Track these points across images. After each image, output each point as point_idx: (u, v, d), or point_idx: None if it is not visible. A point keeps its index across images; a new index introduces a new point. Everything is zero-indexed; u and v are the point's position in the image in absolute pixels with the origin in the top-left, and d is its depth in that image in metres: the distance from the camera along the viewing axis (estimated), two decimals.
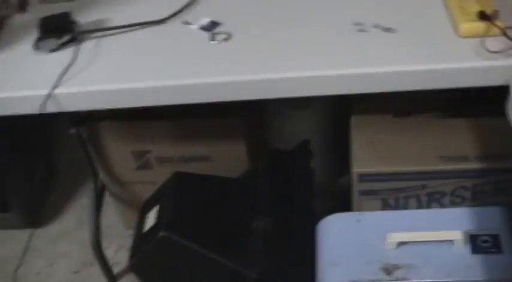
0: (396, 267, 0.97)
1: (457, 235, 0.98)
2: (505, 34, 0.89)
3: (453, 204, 1.09)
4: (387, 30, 0.94)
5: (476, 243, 0.99)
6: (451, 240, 0.98)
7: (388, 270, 0.97)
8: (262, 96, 0.94)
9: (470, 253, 0.98)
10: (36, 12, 1.06)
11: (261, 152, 1.26)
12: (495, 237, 1.00)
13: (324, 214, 1.07)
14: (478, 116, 1.11)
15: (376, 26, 0.94)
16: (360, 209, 1.10)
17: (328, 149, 1.36)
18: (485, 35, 0.88)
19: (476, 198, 1.08)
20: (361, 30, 0.94)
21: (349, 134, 1.13)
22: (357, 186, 1.07)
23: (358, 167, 1.06)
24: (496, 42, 0.88)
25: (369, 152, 1.07)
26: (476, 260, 0.98)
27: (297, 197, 1.15)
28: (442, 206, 1.09)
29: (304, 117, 1.33)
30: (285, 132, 1.34)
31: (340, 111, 1.18)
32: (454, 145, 1.07)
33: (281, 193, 1.15)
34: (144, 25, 1.00)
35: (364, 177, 1.06)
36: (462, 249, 0.98)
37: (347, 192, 1.19)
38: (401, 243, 0.99)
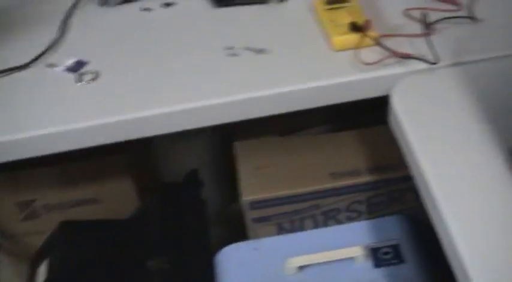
0: None
1: (357, 251, 0.97)
2: (378, 43, 0.88)
3: (349, 219, 1.07)
4: (260, 51, 0.90)
5: (378, 256, 0.97)
6: (353, 258, 0.98)
7: None
8: (139, 135, 0.88)
9: (373, 267, 0.96)
10: None
11: (149, 188, 1.21)
12: (395, 248, 0.98)
13: (222, 244, 1.03)
14: (364, 126, 1.09)
15: (247, 49, 0.91)
16: (255, 237, 1.06)
17: (219, 177, 1.32)
18: (359, 46, 0.87)
19: (372, 211, 1.07)
20: (232, 55, 0.90)
21: (235, 161, 1.09)
22: (249, 215, 1.04)
23: (247, 195, 1.02)
24: (371, 53, 0.87)
25: (257, 178, 1.04)
26: (379, 273, 0.96)
27: (191, 230, 1.10)
28: (339, 222, 1.06)
29: (192, 147, 1.28)
30: (174, 164, 1.29)
31: (227, 137, 1.14)
32: (344, 160, 1.05)
33: (174, 228, 1.10)
34: (7, 72, 0.93)
35: (255, 205, 1.02)
36: (364, 264, 0.96)
37: (241, 219, 1.17)
38: (302, 267, 0.96)
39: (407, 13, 0.93)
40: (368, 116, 1.06)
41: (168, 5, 1.02)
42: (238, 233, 1.12)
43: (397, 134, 0.83)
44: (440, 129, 0.79)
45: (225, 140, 1.17)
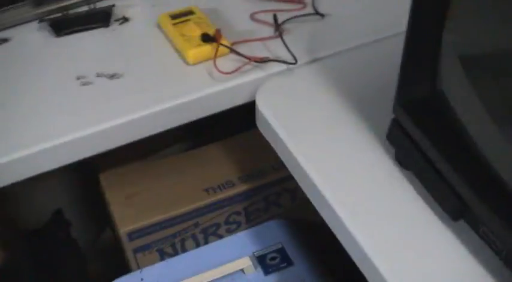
0: None
1: (245, 262, 0.95)
2: (233, 51, 0.87)
3: (229, 232, 1.05)
4: (113, 76, 0.87)
5: (266, 263, 0.96)
6: (242, 269, 0.96)
7: None
8: None
9: (264, 275, 0.95)
10: None
11: (12, 239, 1.13)
12: (281, 251, 0.97)
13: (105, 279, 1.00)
14: (229, 135, 1.08)
15: (100, 75, 0.87)
16: (138, 267, 1.01)
17: (88, 212, 1.27)
18: (215, 56, 0.85)
19: (250, 219, 1.06)
20: (85, 83, 0.86)
21: (103, 194, 1.04)
22: (128, 246, 0.99)
23: (123, 227, 0.97)
24: (229, 62, 0.86)
25: (130, 207, 0.99)
26: (271, 279, 0.94)
27: (66, 274, 1.05)
28: (220, 237, 1.04)
29: (52, 187, 1.22)
30: (35, 207, 1.22)
31: (89, 170, 1.09)
32: (215, 174, 1.03)
33: (48, 276, 1.04)
34: None
35: (133, 235, 0.98)
36: (254, 274, 0.94)
37: (117, 249, 1.13)
38: None
39: (254, 18, 0.93)
40: (230, 126, 1.06)
41: (2, 41, 0.96)
42: (119, 265, 1.07)
43: (268, 136, 0.83)
44: (311, 125, 0.80)
45: (85, 172, 1.12)
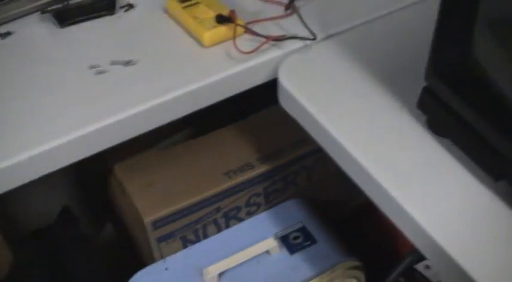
0: None
1: (270, 243, 0.95)
2: (249, 31, 0.86)
3: (249, 214, 1.04)
4: (128, 63, 0.85)
5: (290, 242, 0.97)
6: (267, 251, 0.96)
7: None
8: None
9: (290, 255, 0.96)
10: None
11: (21, 238, 1.10)
12: (303, 230, 0.99)
13: (125, 274, 0.97)
14: (242, 117, 1.08)
15: (114, 63, 0.85)
16: (162, 256, 1.00)
17: (87, 208, 1.25)
18: (232, 37, 0.85)
19: (270, 200, 1.05)
20: (100, 72, 0.84)
21: (119, 186, 1.02)
22: (153, 235, 0.97)
23: (147, 216, 0.95)
24: (246, 41, 0.85)
25: (151, 196, 0.97)
26: (297, 259, 0.96)
27: (82, 271, 1.03)
28: (240, 220, 1.04)
29: (57, 187, 1.20)
30: (35, 206, 1.19)
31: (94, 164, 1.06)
32: (233, 157, 1.02)
33: (62, 274, 1.02)
34: None
35: (157, 224, 0.96)
36: (281, 254, 0.95)
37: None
38: (222, 274, 0.93)
39: None
40: (233, 109, 1.06)
41: (5, 35, 0.93)
42: (136, 257, 1.07)
43: (294, 113, 0.82)
44: (338, 98, 0.79)
45: (91, 169, 1.10)
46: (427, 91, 0.75)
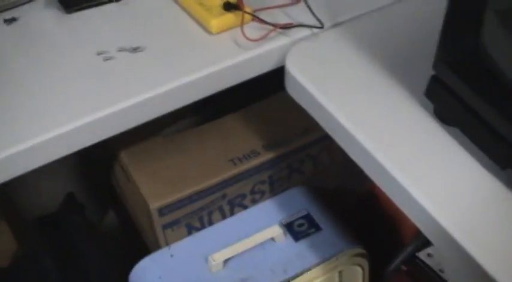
0: None
1: (275, 230, 0.95)
2: (256, 18, 0.86)
3: (254, 202, 1.05)
4: (135, 50, 0.85)
5: (294, 229, 0.97)
6: (272, 238, 0.96)
7: None
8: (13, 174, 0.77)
9: (294, 242, 0.96)
10: None
11: (25, 226, 1.10)
12: (308, 217, 0.99)
13: (130, 260, 0.97)
14: (248, 104, 1.08)
15: (121, 49, 0.85)
16: (167, 243, 1.00)
17: (94, 194, 1.25)
18: (239, 25, 0.85)
19: (274, 188, 1.06)
20: (108, 59, 0.84)
21: (125, 173, 1.02)
22: (158, 222, 0.98)
23: (154, 203, 0.95)
24: (253, 29, 0.85)
25: (157, 183, 0.98)
26: (302, 246, 0.95)
27: (88, 258, 1.02)
28: (245, 207, 1.04)
29: (60, 173, 1.20)
30: (45, 193, 1.19)
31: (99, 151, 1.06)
32: (239, 144, 1.02)
33: (69, 262, 1.02)
34: None
35: (163, 211, 0.96)
36: (285, 241, 0.95)
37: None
38: (227, 261, 0.93)
39: None
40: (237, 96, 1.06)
41: (10, 21, 0.93)
42: (140, 244, 1.07)
43: (302, 100, 0.82)
44: (345, 85, 0.80)
45: (96, 156, 1.10)
46: (435, 79, 0.75)
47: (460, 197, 0.69)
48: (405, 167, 0.71)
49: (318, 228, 0.98)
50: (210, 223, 1.03)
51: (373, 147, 0.73)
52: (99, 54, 0.85)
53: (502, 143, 0.69)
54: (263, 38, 0.84)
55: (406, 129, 0.75)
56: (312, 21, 0.87)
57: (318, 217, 0.99)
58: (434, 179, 0.70)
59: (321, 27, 0.85)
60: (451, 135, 0.74)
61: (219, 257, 0.93)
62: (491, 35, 0.69)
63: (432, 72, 0.75)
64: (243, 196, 1.04)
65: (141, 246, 1.13)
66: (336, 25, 0.88)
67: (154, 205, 0.96)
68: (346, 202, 1.15)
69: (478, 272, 0.64)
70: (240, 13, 0.85)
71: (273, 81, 0.89)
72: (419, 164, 0.72)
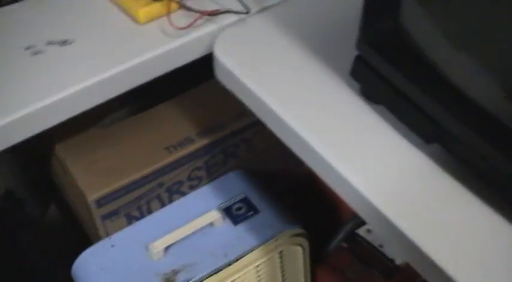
0: (175, 272, 0.92)
1: (213, 215, 0.97)
2: (183, 6, 0.86)
3: (192, 188, 1.06)
4: (64, 43, 0.85)
5: (233, 213, 0.98)
6: (211, 223, 0.97)
7: (169, 279, 0.92)
8: None
9: (234, 225, 0.97)
10: None
11: None
12: (246, 201, 1.00)
13: (72, 254, 0.98)
14: (178, 93, 1.08)
15: (49, 43, 0.85)
16: (107, 234, 1.00)
17: (35, 188, 1.24)
18: (169, 12, 0.85)
19: (211, 173, 1.07)
20: (36, 53, 0.83)
21: (61, 165, 1.02)
22: (97, 213, 0.98)
23: (91, 194, 0.96)
24: (181, 17, 0.85)
25: (94, 175, 0.98)
26: (241, 229, 0.97)
27: (30, 256, 1.03)
28: (183, 194, 1.05)
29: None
30: None
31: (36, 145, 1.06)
32: (173, 131, 1.03)
33: (11, 256, 1.01)
34: None
35: (101, 202, 0.97)
36: (224, 226, 0.97)
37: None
38: (167, 248, 0.94)
39: None
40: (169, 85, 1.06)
41: None
42: (82, 237, 1.07)
43: (231, 86, 0.83)
44: (273, 69, 0.81)
45: (34, 150, 1.09)
46: (359, 59, 0.77)
47: (389, 173, 0.71)
48: (334, 147, 0.73)
49: (256, 210, 0.99)
50: (149, 212, 1.04)
51: (302, 128, 0.74)
52: (27, 48, 0.85)
53: (425, 118, 0.71)
54: (190, 26, 0.84)
55: (333, 109, 0.77)
56: (239, 7, 0.87)
57: (256, 200, 1.01)
58: (363, 157, 0.72)
59: (247, 13, 0.86)
60: (378, 113, 0.76)
61: (159, 244, 0.94)
62: (409, 14, 0.71)
63: (356, 53, 0.77)
64: (181, 183, 1.04)
65: (84, 239, 1.13)
66: (263, 9, 0.88)
67: (91, 197, 0.96)
68: (285, 183, 1.17)
69: (410, 246, 0.67)
70: (166, 1, 0.86)
71: (207, 68, 0.91)
72: (347, 143, 0.73)
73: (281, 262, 1.01)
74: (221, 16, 0.86)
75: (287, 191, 1.12)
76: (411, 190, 0.69)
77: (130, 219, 1.03)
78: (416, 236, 0.65)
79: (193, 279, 0.92)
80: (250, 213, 0.99)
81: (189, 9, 0.86)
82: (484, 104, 0.66)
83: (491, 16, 0.63)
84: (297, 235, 0.99)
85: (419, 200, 0.69)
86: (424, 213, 0.67)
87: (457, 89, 0.68)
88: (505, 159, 0.65)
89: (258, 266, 0.97)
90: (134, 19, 0.87)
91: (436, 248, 0.65)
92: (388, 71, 0.74)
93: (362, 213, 0.72)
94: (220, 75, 0.85)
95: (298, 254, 1.02)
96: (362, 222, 1.14)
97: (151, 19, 0.86)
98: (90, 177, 0.98)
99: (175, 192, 1.05)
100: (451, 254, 0.64)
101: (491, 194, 0.68)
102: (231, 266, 0.94)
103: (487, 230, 0.65)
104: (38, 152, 1.09)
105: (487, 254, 0.64)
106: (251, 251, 0.96)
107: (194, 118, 1.06)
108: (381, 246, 1.15)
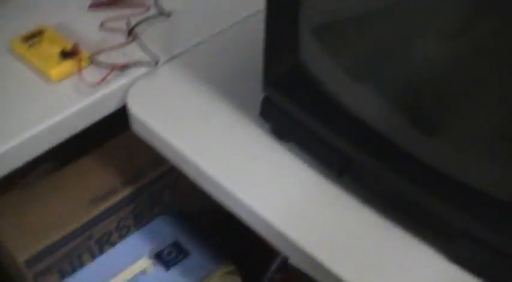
0: None
1: (144, 262, 0.98)
2: (95, 62, 0.88)
3: (121, 237, 1.06)
4: None
5: (164, 258, 1.00)
6: (143, 270, 0.98)
7: None
8: None
9: (166, 271, 0.99)
10: None
11: None
12: (176, 245, 1.02)
13: None
14: (99, 145, 1.09)
15: None
16: None
17: None
18: (79, 70, 0.87)
19: (139, 220, 1.07)
20: None
21: None
22: (29, 273, 0.97)
23: (20, 256, 0.95)
24: (94, 72, 0.87)
25: (21, 235, 0.97)
26: (173, 273, 0.99)
27: None
28: (113, 244, 1.05)
29: None
30: None
31: None
32: (97, 184, 1.03)
33: None
34: None
35: (32, 261, 0.96)
36: (156, 271, 0.98)
37: None
38: None
39: (105, 27, 0.95)
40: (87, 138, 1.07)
41: None
42: None
43: (145, 136, 0.86)
44: (185, 116, 0.84)
45: None
46: (266, 100, 0.80)
47: (303, 208, 0.74)
48: (247, 187, 0.76)
49: (186, 253, 1.01)
50: (82, 265, 1.04)
51: (217, 173, 0.77)
52: None
53: (330, 150, 0.75)
54: (102, 81, 0.86)
55: (246, 150, 0.80)
56: (149, 58, 0.90)
57: (185, 242, 1.02)
58: (276, 194, 0.75)
59: (156, 64, 0.89)
60: (289, 150, 0.79)
61: None
62: (308, 51, 0.74)
63: (263, 94, 0.80)
64: (110, 234, 1.05)
65: None
66: (172, 58, 0.91)
67: (21, 258, 0.96)
68: (214, 221, 1.18)
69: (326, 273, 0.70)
70: (77, 59, 0.88)
71: (125, 117, 0.92)
72: (260, 182, 0.76)
73: None
74: (132, 68, 0.89)
75: (216, 228, 1.14)
76: (324, 221, 0.72)
77: (63, 275, 1.03)
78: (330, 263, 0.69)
79: None
80: (181, 257, 1.01)
81: (100, 64, 0.89)
82: (386, 132, 0.70)
83: (384, 48, 0.67)
84: (228, 273, 1.01)
85: (335, 230, 0.72)
86: (339, 242, 0.71)
87: (359, 119, 0.72)
88: (409, 186, 0.69)
89: None
90: (47, 79, 0.89)
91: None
92: (292, 109, 0.77)
93: (278, 245, 0.75)
94: (134, 126, 0.87)
95: None
96: None
97: (64, 77, 0.87)
98: (18, 238, 0.98)
99: (105, 243, 1.05)
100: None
101: (402, 218, 0.72)
102: None
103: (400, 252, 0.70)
104: None
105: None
106: None
107: (116, 169, 1.06)
108: None
